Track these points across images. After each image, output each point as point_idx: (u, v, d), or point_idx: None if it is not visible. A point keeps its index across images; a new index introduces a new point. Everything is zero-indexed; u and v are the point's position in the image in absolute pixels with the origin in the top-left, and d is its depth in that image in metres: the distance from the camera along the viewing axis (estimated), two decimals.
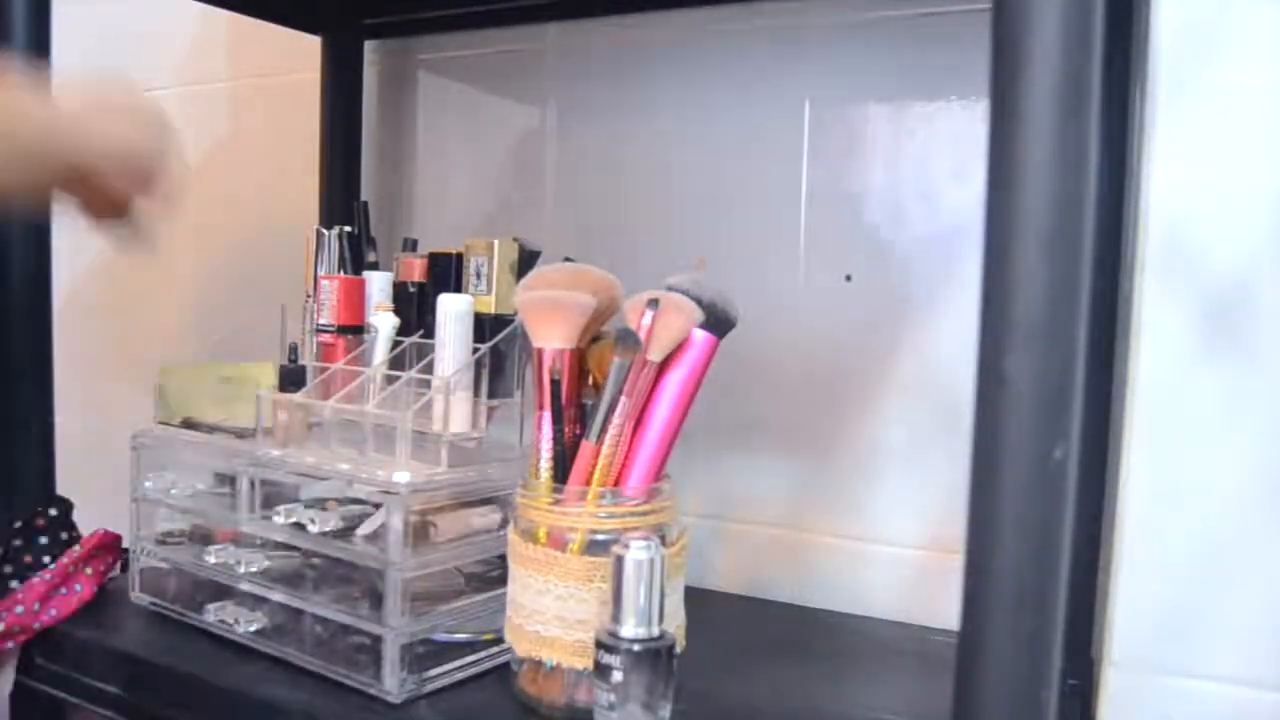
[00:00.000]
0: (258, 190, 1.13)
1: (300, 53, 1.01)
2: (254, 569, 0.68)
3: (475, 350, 0.68)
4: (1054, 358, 0.38)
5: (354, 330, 0.73)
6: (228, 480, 0.70)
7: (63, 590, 0.73)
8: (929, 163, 0.78)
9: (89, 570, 0.75)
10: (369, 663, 0.61)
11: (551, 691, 0.60)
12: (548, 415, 0.61)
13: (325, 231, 0.78)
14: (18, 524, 0.73)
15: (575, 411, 0.62)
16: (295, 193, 1.05)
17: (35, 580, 0.71)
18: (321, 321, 0.73)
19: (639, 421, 0.61)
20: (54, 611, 0.71)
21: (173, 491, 0.73)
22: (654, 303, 0.59)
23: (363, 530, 0.63)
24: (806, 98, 0.82)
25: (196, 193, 1.18)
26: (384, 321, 0.71)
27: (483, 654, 0.65)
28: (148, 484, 0.73)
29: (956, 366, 0.77)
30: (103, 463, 1.21)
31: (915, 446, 0.79)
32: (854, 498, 0.82)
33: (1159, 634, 0.57)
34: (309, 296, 0.77)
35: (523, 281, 0.64)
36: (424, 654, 0.62)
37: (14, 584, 0.72)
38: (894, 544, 0.80)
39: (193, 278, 1.19)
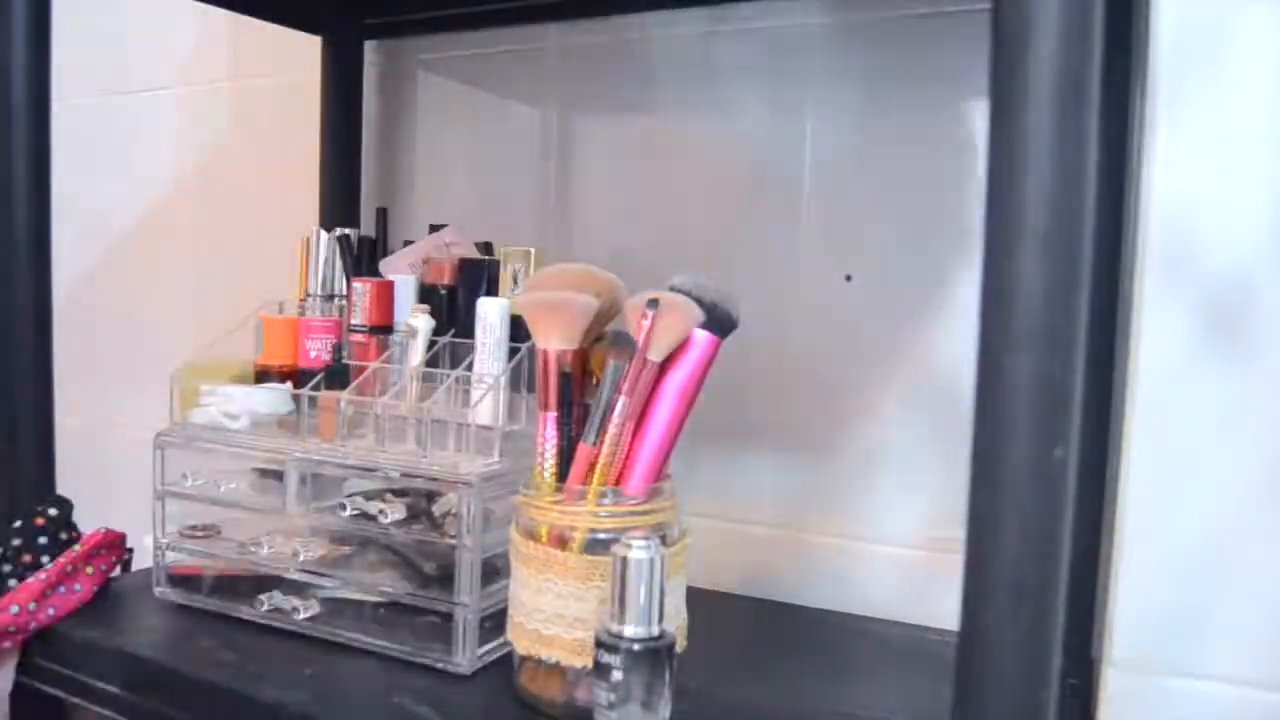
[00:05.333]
0: (257, 190, 1.13)
1: (300, 53, 1.01)
2: (314, 556, 0.71)
3: (515, 350, 0.71)
4: (1054, 358, 0.38)
5: (384, 330, 0.76)
6: (270, 475, 0.73)
7: (61, 589, 0.73)
8: (929, 162, 0.78)
9: (90, 570, 0.75)
10: (437, 639, 0.66)
11: (551, 689, 0.60)
12: (551, 415, 0.61)
13: (325, 234, 0.81)
14: (18, 524, 0.73)
15: (579, 411, 0.62)
16: (295, 193, 1.05)
17: (31, 580, 0.71)
18: (354, 322, 0.76)
19: (640, 421, 0.61)
20: (52, 611, 0.71)
21: (191, 484, 0.75)
22: (654, 303, 0.59)
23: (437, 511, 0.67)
24: (807, 98, 0.82)
25: (196, 193, 1.18)
26: (422, 323, 0.74)
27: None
28: (187, 481, 0.75)
29: (956, 366, 0.77)
30: (103, 463, 1.22)
31: (915, 446, 0.79)
32: (854, 498, 0.82)
33: (1159, 634, 0.57)
34: (307, 297, 0.81)
35: (526, 282, 0.64)
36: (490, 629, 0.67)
37: (12, 584, 0.72)
38: (894, 544, 0.80)
39: (193, 277, 1.19)
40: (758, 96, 0.84)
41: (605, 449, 0.60)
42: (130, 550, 0.79)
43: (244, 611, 0.72)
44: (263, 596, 0.72)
